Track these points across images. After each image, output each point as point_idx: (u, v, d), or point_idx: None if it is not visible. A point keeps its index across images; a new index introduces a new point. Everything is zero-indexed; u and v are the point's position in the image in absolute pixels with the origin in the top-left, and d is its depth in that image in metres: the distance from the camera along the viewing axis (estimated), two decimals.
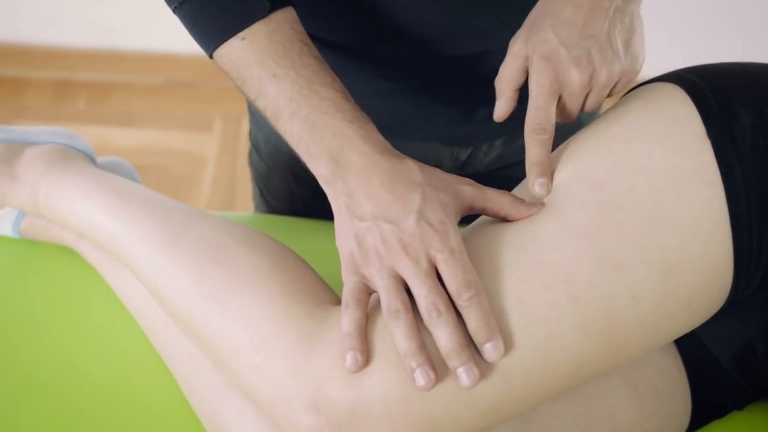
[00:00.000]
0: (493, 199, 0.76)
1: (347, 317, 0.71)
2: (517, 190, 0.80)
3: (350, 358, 0.70)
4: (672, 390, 0.83)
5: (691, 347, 0.84)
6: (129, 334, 0.92)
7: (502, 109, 0.81)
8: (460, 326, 0.69)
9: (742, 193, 0.73)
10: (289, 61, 0.78)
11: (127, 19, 2.42)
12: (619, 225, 0.72)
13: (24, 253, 0.99)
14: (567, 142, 0.80)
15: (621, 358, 0.75)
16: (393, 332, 0.70)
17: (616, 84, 0.80)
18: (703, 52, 1.43)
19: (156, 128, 2.38)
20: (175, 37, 2.38)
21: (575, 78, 0.77)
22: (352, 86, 0.98)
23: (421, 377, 0.69)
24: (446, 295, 0.70)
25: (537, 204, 0.75)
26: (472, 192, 0.75)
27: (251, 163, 1.16)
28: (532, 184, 0.77)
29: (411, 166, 0.75)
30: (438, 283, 0.71)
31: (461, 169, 1.09)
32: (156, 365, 0.89)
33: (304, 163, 0.78)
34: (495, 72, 0.82)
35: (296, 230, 1.07)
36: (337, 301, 0.80)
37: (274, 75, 0.77)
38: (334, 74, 0.80)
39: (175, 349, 0.85)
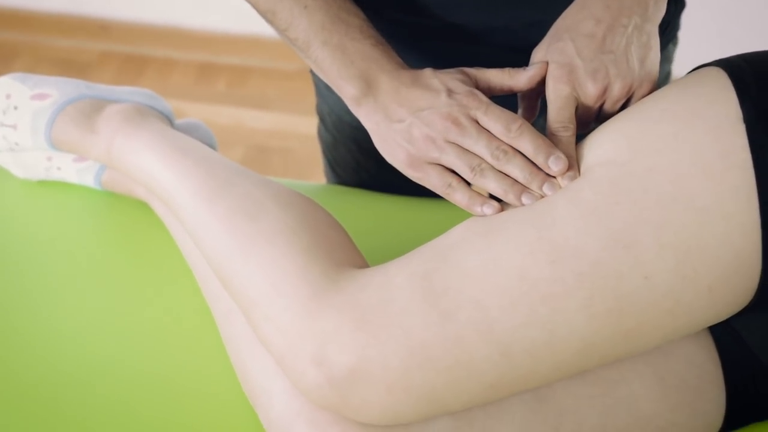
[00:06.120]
0: (492, 73, 0.84)
1: (459, 195, 0.80)
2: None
3: (488, 208, 0.78)
4: (704, 384, 0.80)
5: (730, 343, 0.80)
6: (185, 286, 0.97)
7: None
8: (527, 159, 0.77)
9: None
10: None
11: None
12: (634, 204, 0.71)
13: (102, 203, 1.06)
14: (603, 125, 0.79)
15: (635, 342, 0.73)
16: (487, 185, 0.78)
17: (630, 97, 0.82)
18: None
19: (287, 112, 2.46)
20: None
21: (590, 89, 0.79)
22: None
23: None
24: (503, 141, 0.78)
25: (537, 65, 0.82)
26: (473, 71, 0.84)
27: (319, 135, 1.19)
28: (561, 178, 0.77)
29: (427, 71, 0.83)
30: (490, 134, 0.78)
31: None
32: (206, 317, 0.94)
33: (368, 133, 0.83)
34: None
35: (360, 201, 1.09)
36: (363, 264, 0.82)
37: (305, 6, 0.83)
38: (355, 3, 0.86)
39: (217, 301, 0.89)
